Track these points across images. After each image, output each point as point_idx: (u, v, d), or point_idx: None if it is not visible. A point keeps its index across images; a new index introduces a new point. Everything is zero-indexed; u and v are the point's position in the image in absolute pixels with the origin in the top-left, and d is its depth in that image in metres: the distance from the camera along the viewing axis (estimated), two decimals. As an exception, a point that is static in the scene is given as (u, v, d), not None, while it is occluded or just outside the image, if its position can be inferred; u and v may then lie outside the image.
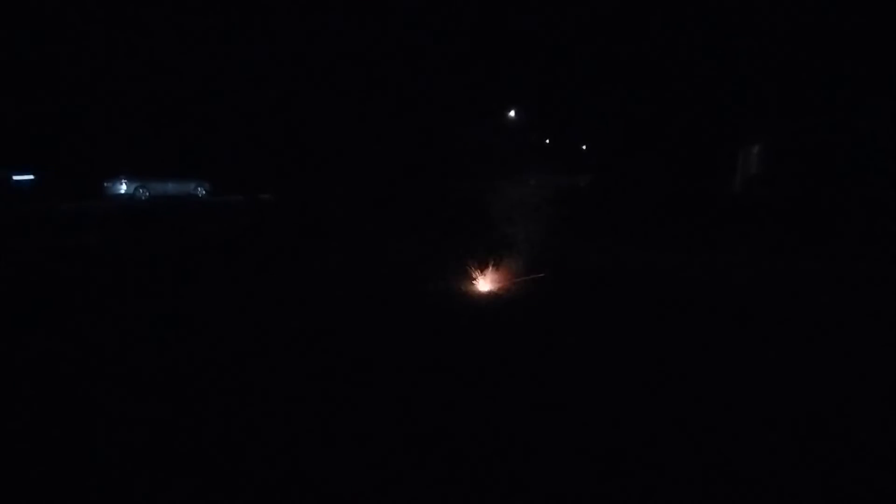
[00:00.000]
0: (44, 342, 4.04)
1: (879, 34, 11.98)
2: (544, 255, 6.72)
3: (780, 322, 4.64)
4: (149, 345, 3.99)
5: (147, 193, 21.69)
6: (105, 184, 21.22)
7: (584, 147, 49.41)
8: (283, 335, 4.23)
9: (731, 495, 2.19)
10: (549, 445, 2.52)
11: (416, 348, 3.93)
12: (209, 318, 4.71)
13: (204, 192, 23.66)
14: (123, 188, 21.12)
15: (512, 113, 40.27)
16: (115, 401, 3.02)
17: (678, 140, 20.09)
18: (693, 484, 2.25)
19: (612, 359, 3.69)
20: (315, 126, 23.48)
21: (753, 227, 9.83)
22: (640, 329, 4.37)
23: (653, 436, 2.61)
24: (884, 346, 3.98)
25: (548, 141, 55.53)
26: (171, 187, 22.57)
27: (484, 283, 5.89)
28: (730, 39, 16.37)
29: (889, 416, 2.85)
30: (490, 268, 6.05)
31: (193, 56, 23.31)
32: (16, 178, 19.86)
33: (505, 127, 42.57)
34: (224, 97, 23.18)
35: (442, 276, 6.03)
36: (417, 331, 4.36)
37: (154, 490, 2.25)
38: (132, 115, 23.33)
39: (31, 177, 20.11)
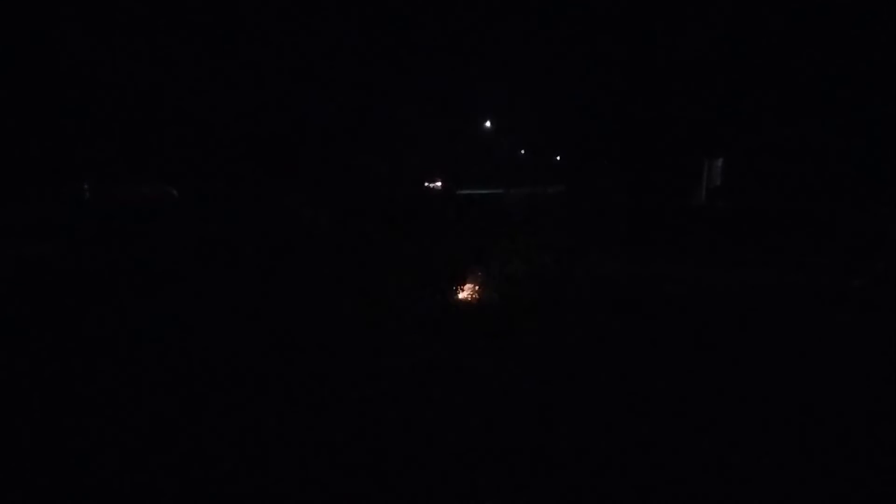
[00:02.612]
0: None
1: (838, 55, 12.53)
2: (513, 265, 6.79)
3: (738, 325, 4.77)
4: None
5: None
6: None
7: (557, 158, 50.12)
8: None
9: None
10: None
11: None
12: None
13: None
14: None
15: (487, 123, 40.66)
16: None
17: (645, 151, 20.56)
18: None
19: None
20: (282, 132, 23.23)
21: (715, 237, 10.10)
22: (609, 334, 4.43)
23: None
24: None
25: (522, 151, 56.11)
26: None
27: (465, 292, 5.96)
28: (696, 53, 16.88)
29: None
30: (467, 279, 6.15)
31: (167, 59, 22.80)
32: None
33: (479, 137, 42.95)
34: (200, 101, 22.71)
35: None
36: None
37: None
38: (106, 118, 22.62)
39: None
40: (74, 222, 13.71)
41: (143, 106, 22.98)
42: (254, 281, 6.83)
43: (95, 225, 13.51)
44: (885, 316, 5.14)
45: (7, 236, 10.90)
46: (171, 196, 23.05)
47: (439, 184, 31.76)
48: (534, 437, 2.72)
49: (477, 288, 6.12)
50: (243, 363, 3.76)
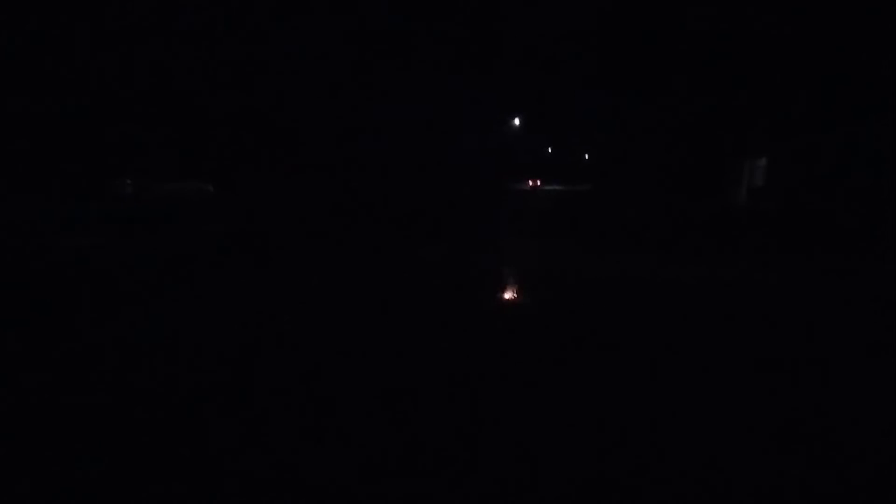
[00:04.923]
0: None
1: (882, 50, 11.99)
2: (549, 266, 6.73)
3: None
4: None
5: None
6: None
7: (586, 156, 49.48)
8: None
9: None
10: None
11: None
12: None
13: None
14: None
15: (517, 121, 40.40)
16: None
17: (683, 151, 20.10)
18: None
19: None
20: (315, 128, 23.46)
21: (761, 239, 9.78)
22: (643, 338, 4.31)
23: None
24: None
25: (550, 150, 55.59)
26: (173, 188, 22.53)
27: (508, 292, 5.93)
28: (740, 51, 16.39)
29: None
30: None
31: (191, 55, 23.22)
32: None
33: (510, 135, 42.73)
34: (223, 96, 23.12)
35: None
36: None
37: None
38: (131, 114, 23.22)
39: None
40: (117, 216, 14.19)
41: (183, 107, 23.54)
42: (284, 276, 6.88)
43: (135, 219, 13.96)
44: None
45: (54, 229, 11.34)
46: (206, 192, 23.63)
47: (539, 182, 38.36)
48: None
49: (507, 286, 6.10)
50: (267, 360, 3.79)
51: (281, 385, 3.38)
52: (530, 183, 39.36)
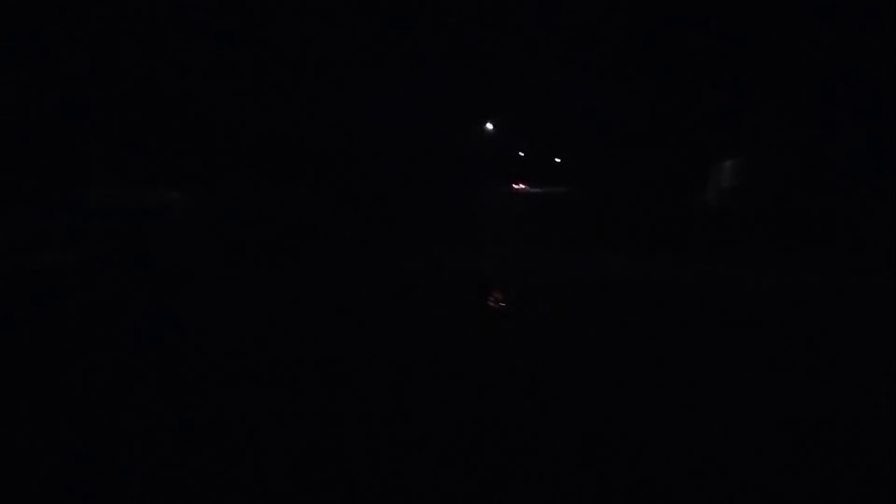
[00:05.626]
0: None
1: (853, 54, 12.34)
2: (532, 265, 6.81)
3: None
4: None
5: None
6: None
7: (557, 160, 50.15)
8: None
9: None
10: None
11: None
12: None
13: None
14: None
15: (489, 125, 40.58)
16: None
17: (650, 154, 20.57)
18: None
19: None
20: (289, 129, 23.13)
21: (731, 237, 10.09)
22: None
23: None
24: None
25: (522, 153, 56.06)
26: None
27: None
28: (703, 54, 16.82)
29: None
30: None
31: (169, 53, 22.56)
32: None
33: (479, 138, 42.91)
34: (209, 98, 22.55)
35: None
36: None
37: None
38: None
39: None
40: (76, 229, 13.62)
41: (147, 110, 22.85)
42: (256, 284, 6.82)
43: (97, 231, 13.46)
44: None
45: (23, 247, 10.83)
46: (175, 201, 22.95)
47: (523, 186, 36.78)
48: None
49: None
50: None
51: (280, 391, 3.35)
52: (514, 186, 38.17)
